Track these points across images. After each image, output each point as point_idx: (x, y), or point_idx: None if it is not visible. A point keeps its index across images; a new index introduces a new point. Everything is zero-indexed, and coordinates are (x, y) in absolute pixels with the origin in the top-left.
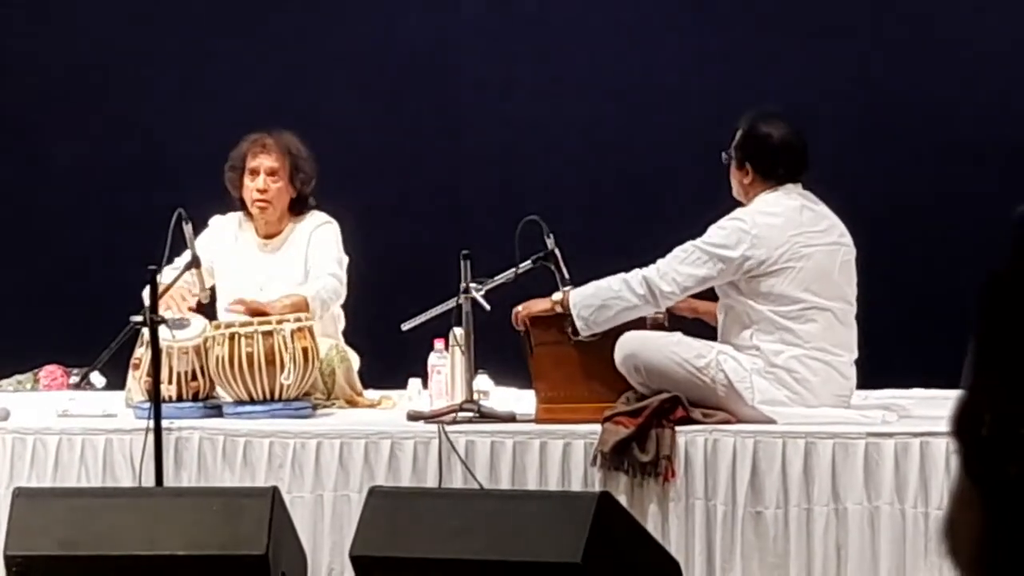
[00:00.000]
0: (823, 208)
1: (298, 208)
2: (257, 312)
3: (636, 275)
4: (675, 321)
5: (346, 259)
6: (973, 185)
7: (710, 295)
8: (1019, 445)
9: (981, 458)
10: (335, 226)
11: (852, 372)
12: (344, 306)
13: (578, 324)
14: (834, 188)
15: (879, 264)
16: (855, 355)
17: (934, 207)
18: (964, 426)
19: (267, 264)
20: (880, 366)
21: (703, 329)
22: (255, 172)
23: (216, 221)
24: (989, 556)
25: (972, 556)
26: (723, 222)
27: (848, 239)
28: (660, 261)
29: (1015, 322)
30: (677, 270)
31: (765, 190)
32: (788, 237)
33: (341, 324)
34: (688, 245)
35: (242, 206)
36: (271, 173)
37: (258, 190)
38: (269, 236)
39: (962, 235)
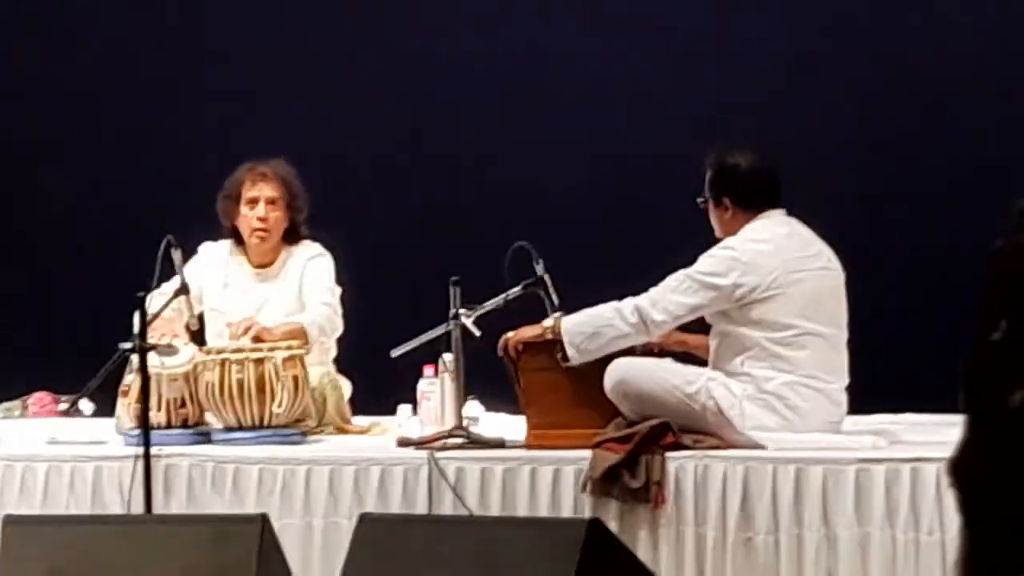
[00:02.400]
0: (810, 233)
1: (292, 237)
2: (258, 337)
3: (628, 304)
4: (665, 354)
5: (339, 290)
6: (963, 209)
7: (701, 328)
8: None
9: (1011, 427)
10: (328, 258)
11: (843, 399)
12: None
13: (569, 351)
14: (819, 213)
15: (868, 289)
16: (846, 381)
17: (921, 231)
18: (991, 395)
19: (261, 292)
20: (870, 391)
21: (694, 362)
22: (254, 201)
23: (207, 247)
24: (1000, 495)
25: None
26: (713, 251)
27: (836, 264)
28: (652, 290)
29: None
30: (669, 299)
31: (748, 220)
32: (779, 263)
33: (332, 352)
34: (679, 274)
35: (233, 234)
36: (270, 202)
37: (259, 219)
38: (262, 265)
39: (952, 261)
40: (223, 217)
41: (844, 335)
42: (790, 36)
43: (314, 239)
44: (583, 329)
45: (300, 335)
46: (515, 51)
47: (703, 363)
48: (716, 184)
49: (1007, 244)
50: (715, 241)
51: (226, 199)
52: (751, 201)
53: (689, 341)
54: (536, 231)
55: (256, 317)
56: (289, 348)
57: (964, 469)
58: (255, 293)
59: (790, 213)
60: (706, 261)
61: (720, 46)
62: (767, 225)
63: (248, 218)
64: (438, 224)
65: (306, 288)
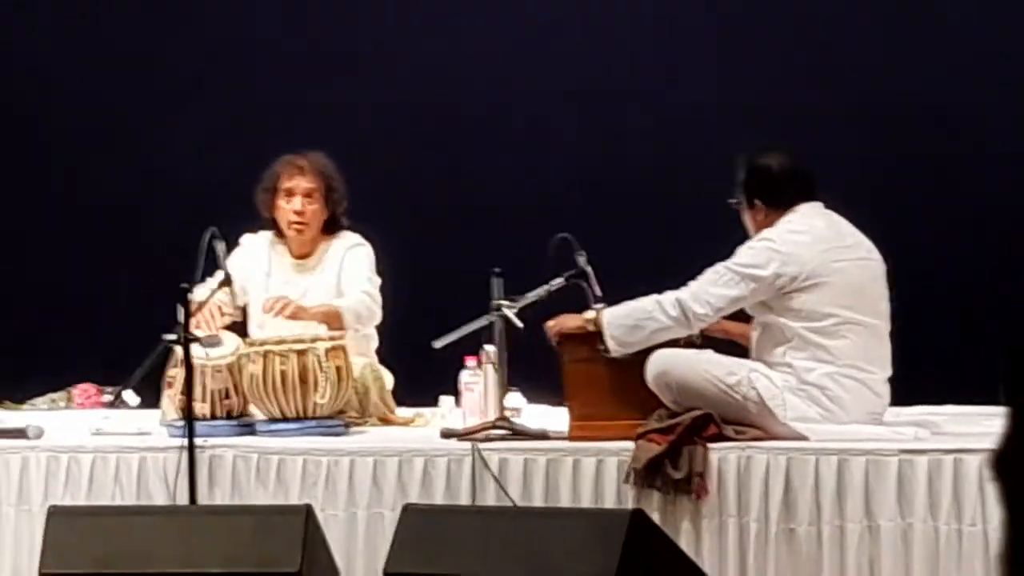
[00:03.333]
0: (847, 225)
1: (331, 229)
2: (294, 315)
3: (669, 297)
4: (707, 341)
5: (379, 280)
6: (1003, 199)
7: (742, 317)
8: None
9: None
10: (368, 248)
11: (885, 389)
12: (377, 325)
13: (610, 344)
14: (862, 204)
15: (910, 280)
16: (888, 372)
17: (966, 220)
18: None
19: (301, 283)
20: (912, 382)
21: (735, 350)
22: (291, 193)
23: (247, 239)
24: None
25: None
26: (752, 242)
27: (876, 255)
28: (692, 283)
29: None
30: (710, 292)
31: (782, 217)
32: (817, 252)
33: (374, 343)
34: (719, 267)
35: (274, 226)
36: (307, 195)
37: (295, 211)
38: (302, 256)
39: (995, 253)
40: (263, 209)
41: (886, 326)
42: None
43: (354, 230)
44: (624, 322)
45: (335, 318)
46: (559, 43)
47: (745, 352)
48: (748, 187)
49: None
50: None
51: (264, 191)
52: (783, 201)
53: (731, 329)
54: (579, 222)
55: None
56: (332, 339)
57: (1006, 462)
58: (295, 283)
59: (828, 207)
60: (745, 253)
61: (754, 41)
62: (803, 217)
63: (285, 211)
64: (482, 214)
65: (345, 277)
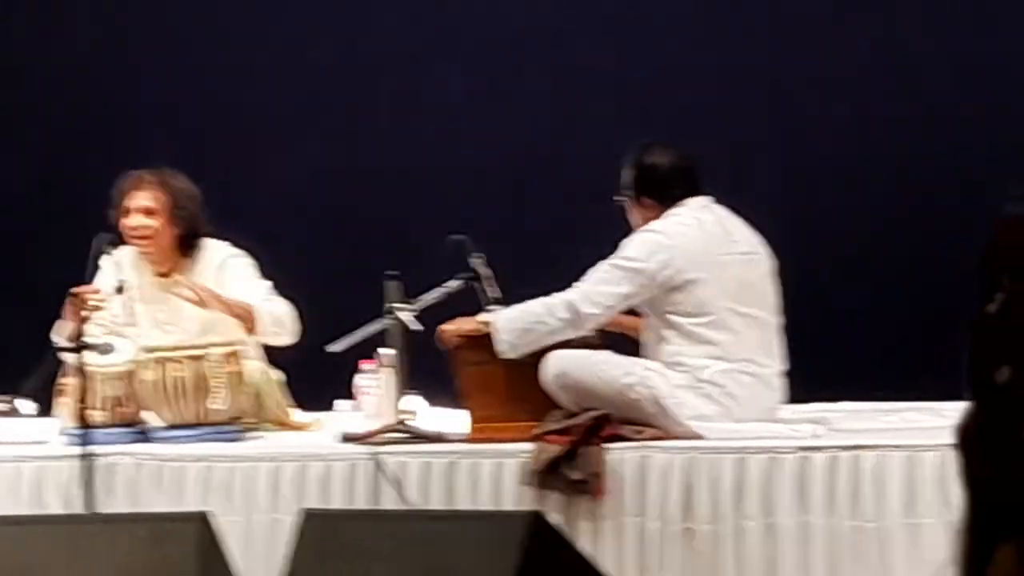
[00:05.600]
0: (735, 220)
1: (186, 248)
2: (204, 301)
3: (559, 300)
4: (603, 335)
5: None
6: (893, 195)
7: (636, 310)
8: None
9: (997, 407)
10: (247, 258)
11: (779, 384)
12: None
13: (501, 347)
14: (750, 200)
15: (802, 277)
16: (781, 366)
17: (854, 215)
18: (982, 369)
19: (168, 303)
20: (807, 380)
21: (630, 344)
22: (131, 210)
23: (106, 260)
24: (997, 480)
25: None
26: (636, 235)
27: (764, 250)
28: (581, 283)
29: None
30: (598, 291)
31: (670, 210)
32: (703, 245)
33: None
34: (604, 265)
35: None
36: (146, 212)
37: (130, 227)
38: (162, 275)
39: (885, 248)
40: (116, 225)
41: (776, 320)
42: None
43: (230, 237)
44: (515, 325)
45: (249, 317)
46: (446, 35)
47: (640, 345)
48: (637, 184)
49: (1011, 217)
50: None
51: (115, 208)
52: (671, 196)
53: (625, 323)
54: (474, 224)
55: (166, 329)
56: (226, 344)
57: (964, 437)
58: (162, 304)
59: (717, 201)
60: (631, 246)
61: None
62: (691, 211)
63: (125, 227)
64: (376, 218)
65: (235, 289)
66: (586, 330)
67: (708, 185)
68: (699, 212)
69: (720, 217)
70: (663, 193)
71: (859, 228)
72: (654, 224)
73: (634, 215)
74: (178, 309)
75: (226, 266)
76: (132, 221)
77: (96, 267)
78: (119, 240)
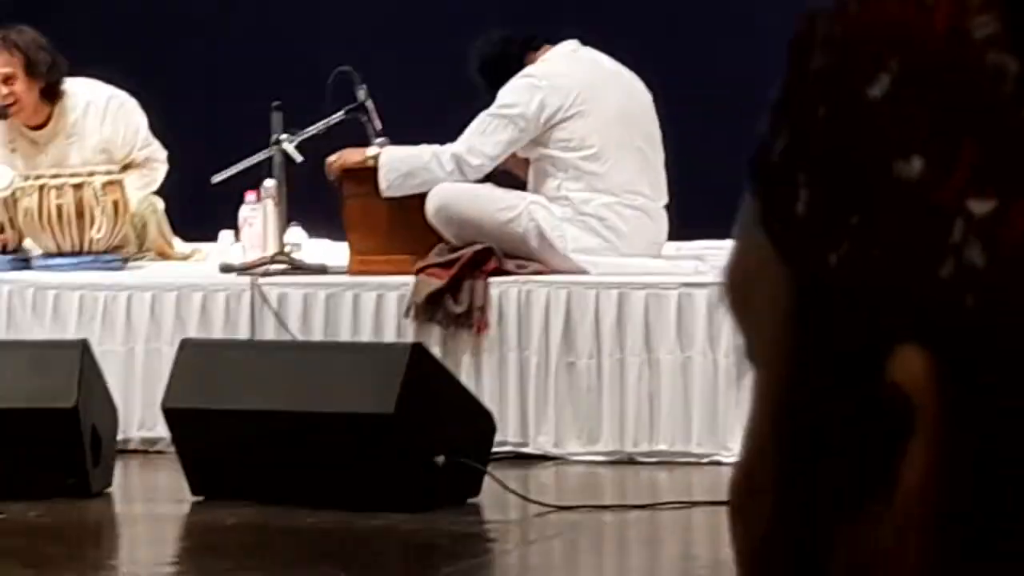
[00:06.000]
0: (607, 58)
1: (51, 95)
2: None
3: (446, 151)
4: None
5: (140, 112)
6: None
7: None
8: (841, 230)
9: (795, 240)
10: (123, 97)
11: (663, 217)
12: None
13: (382, 184)
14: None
15: (687, 113)
16: (664, 200)
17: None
18: (775, 200)
19: (53, 151)
20: (691, 217)
21: (515, 181)
22: None
23: None
24: (795, 331)
25: (774, 333)
26: (511, 83)
27: (640, 84)
28: (464, 135)
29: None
30: (483, 142)
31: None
32: (578, 81)
33: (157, 183)
34: (483, 116)
35: None
36: (4, 80)
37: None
38: (36, 127)
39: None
40: None
41: (659, 154)
42: None
43: (111, 75)
44: (400, 166)
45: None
46: None
47: (523, 184)
48: (484, 71)
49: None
50: None
51: None
52: (524, 58)
53: (508, 161)
54: (359, 55)
55: (56, 175)
56: (108, 173)
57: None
58: (45, 154)
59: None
60: (507, 94)
61: None
62: (559, 52)
63: None
64: (262, 49)
65: (113, 133)
66: (471, 180)
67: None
68: (569, 52)
69: (591, 56)
70: (511, 66)
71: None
72: (528, 68)
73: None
74: (67, 154)
75: (106, 110)
76: None
77: None
78: None
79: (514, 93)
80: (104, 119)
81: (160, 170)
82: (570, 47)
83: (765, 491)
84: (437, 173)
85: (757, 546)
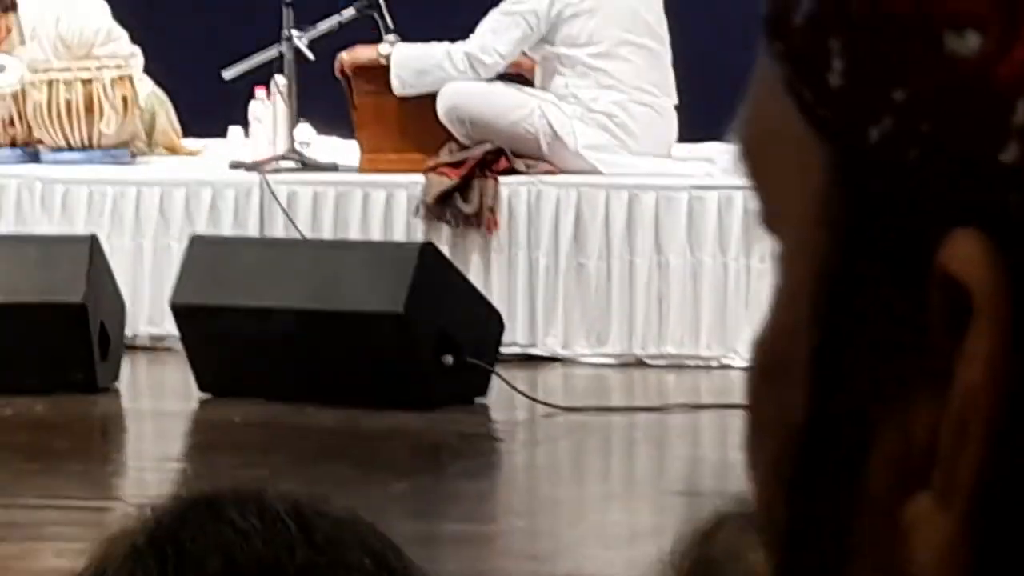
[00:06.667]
0: None
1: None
2: None
3: (459, 50)
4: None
5: (104, 17)
6: None
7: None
8: (884, 104)
9: (828, 112)
10: None
11: (672, 116)
12: (161, 53)
13: (394, 83)
14: None
15: (696, 13)
16: (674, 99)
17: None
18: (802, 66)
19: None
20: (701, 118)
21: (523, 82)
22: None
23: None
24: (831, 208)
25: (803, 207)
26: None
27: None
28: (475, 34)
29: None
30: (494, 40)
31: None
32: None
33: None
34: (494, 13)
35: None
36: None
37: None
38: None
39: None
40: None
41: (667, 52)
42: None
43: None
44: (413, 64)
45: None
46: None
47: (530, 83)
48: None
49: None
50: None
51: None
52: None
53: (519, 61)
54: None
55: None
56: (118, 67)
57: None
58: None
59: None
60: None
61: None
62: None
63: None
64: None
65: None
66: (483, 79)
67: None
68: None
69: None
70: None
71: None
72: None
73: None
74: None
75: (59, 7)
76: None
77: None
78: None
79: None
80: (59, 18)
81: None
82: None
83: (797, 378)
84: (450, 72)
85: (788, 439)
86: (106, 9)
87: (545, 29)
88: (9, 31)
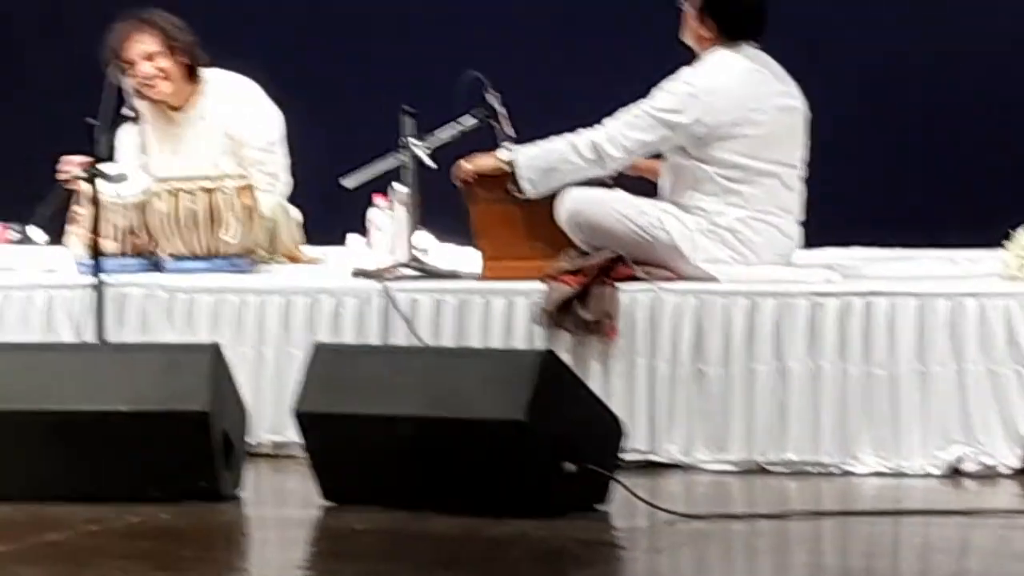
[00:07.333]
0: (776, 68)
1: (194, 76)
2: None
3: (584, 139)
4: (616, 178)
5: (278, 118)
6: (917, 40)
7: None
8: None
9: None
10: (256, 86)
11: (795, 231)
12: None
13: (524, 186)
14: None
15: (826, 122)
16: (800, 217)
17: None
18: None
19: (181, 133)
20: (822, 226)
21: (644, 186)
22: (136, 62)
23: (126, 129)
24: None
25: None
26: (671, 85)
27: (800, 100)
28: (607, 124)
29: None
30: (625, 135)
31: (720, 47)
32: (738, 103)
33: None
34: (636, 109)
35: (137, 95)
36: (149, 57)
37: (143, 76)
38: (174, 109)
39: (903, 96)
40: (115, 80)
41: (801, 173)
42: None
43: (239, 67)
44: (538, 164)
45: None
46: None
47: (653, 187)
48: (710, 4)
49: None
50: (680, 60)
51: (113, 65)
52: (736, 33)
53: (641, 165)
54: (490, 60)
55: (176, 154)
56: (241, 177)
57: None
58: (179, 138)
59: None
60: (663, 97)
61: None
62: (731, 59)
63: (134, 79)
64: (390, 53)
65: (245, 115)
66: (608, 172)
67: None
68: (740, 61)
69: (759, 67)
70: (732, 26)
71: (881, 77)
72: (689, 75)
73: (689, 28)
74: (184, 138)
75: (237, 91)
76: (142, 70)
77: (117, 97)
78: (130, 107)
79: (672, 100)
80: (237, 105)
81: (275, 184)
82: (747, 53)
83: None
84: (577, 162)
85: None
86: (275, 121)
87: (679, 143)
88: (187, 101)
